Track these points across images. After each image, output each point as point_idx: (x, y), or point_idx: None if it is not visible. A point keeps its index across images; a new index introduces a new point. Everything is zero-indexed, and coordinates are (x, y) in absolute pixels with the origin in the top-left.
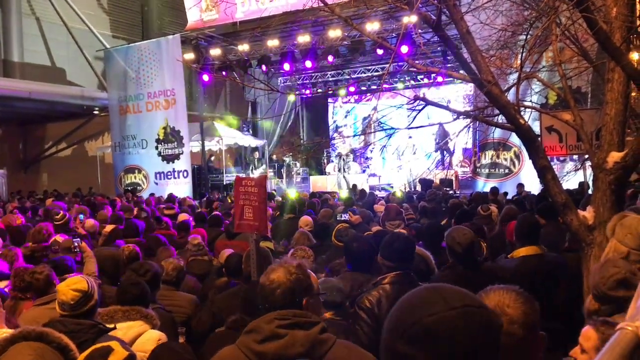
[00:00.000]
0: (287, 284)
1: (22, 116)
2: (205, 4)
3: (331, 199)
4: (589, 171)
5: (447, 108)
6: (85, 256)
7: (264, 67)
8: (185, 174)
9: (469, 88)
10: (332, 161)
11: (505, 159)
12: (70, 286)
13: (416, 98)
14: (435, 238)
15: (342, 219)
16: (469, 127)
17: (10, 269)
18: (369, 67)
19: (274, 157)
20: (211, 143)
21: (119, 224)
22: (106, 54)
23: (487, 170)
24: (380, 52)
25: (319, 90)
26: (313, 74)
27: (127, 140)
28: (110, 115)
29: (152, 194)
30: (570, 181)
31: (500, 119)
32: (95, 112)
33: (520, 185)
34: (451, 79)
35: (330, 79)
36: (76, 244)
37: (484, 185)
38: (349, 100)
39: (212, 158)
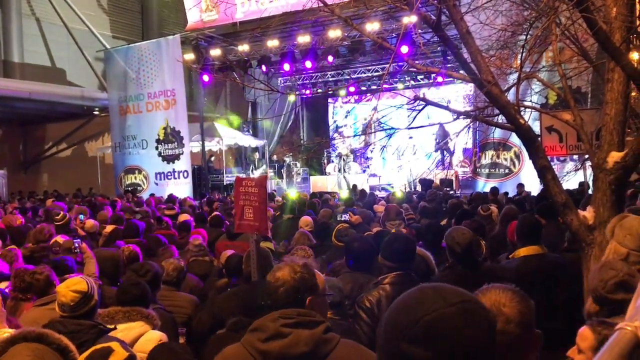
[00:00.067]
0: (291, 282)
1: (23, 117)
2: (205, 5)
3: (331, 199)
4: (589, 171)
5: (447, 108)
6: (85, 257)
7: (264, 68)
8: (185, 174)
9: (469, 88)
10: (333, 161)
11: (506, 159)
12: (70, 287)
13: (416, 98)
14: (435, 238)
15: (342, 219)
16: (469, 127)
17: (10, 270)
18: (369, 67)
19: (275, 157)
20: (211, 143)
21: (119, 224)
22: (106, 54)
23: (487, 170)
24: (381, 52)
25: (319, 91)
26: (313, 74)
27: (128, 141)
28: (111, 115)
29: (152, 195)
30: (571, 181)
31: (501, 119)
32: (96, 113)
33: (521, 185)
34: (451, 79)
35: (330, 79)
36: (76, 245)
37: (484, 185)
38: (349, 100)
39: (212, 158)
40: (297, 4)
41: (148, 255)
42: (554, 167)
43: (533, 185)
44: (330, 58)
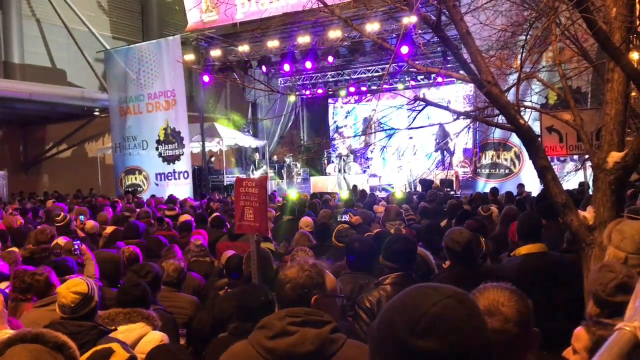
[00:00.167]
0: (297, 279)
1: (23, 117)
2: (205, 5)
3: (331, 200)
4: (590, 171)
5: (447, 108)
6: (85, 258)
7: (264, 68)
8: (185, 174)
9: (469, 88)
10: (333, 162)
11: (506, 159)
12: (71, 289)
13: (416, 98)
14: (435, 238)
15: (342, 219)
16: (469, 128)
17: (10, 270)
18: (369, 68)
19: (275, 157)
20: (211, 144)
21: (120, 225)
22: (106, 55)
23: (487, 171)
24: (381, 52)
25: (319, 91)
26: (313, 75)
27: (128, 142)
28: (111, 116)
29: (152, 195)
30: (571, 181)
31: (501, 119)
32: (96, 113)
33: (521, 186)
34: (451, 79)
35: (331, 80)
36: (76, 246)
37: (484, 185)
38: (349, 100)
39: (212, 159)
40: (297, 5)
41: (150, 256)
42: (554, 167)
43: (533, 186)
44: (330, 58)
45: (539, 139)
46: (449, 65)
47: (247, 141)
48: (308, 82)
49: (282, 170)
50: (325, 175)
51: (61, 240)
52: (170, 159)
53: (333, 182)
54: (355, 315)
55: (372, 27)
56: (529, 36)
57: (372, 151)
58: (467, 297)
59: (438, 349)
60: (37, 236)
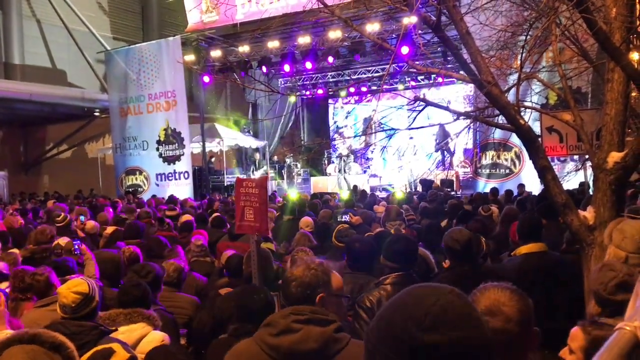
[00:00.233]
0: (303, 278)
1: (23, 118)
2: (205, 6)
3: (332, 200)
4: (590, 171)
5: (447, 109)
6: (85, 259)
7: (264, 69)
8: (186, 175)
9: (469, 89)
10: (333, 162)
11: (506, 159)
12: (71, 289)
13: (416, 99)
14: (435, 238)
15: (343, 220)
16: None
17: (10, 271)
18: (369, 68)
19: (275, 158)
20: (212, 144)
21: (120, 225)
22: (107, 55)
23: (487, 171)
24: (381, 53)
25: (320, 91)
26: (313, 75)
27: (128, 142)
28: (111, 116)
29: (153, 196)
30: (571, 181)
31: (501, 119)
32: (96, 114)
33: (521, 186)
34: (451, 79)
35: (331, 80)
36: (76, 246)
37: (484, 185)
38: (350, 101)
39: (213, 159)
40: (297, 5)
41: (151, 257)
42: (554, 167)
43: (534, 186)
44: (330, 59)
45: (539, 139)
46: (449, 66)
47: (248, 141)
48: (308, 82)
49: (283, 171)
50: (326, 175)
51: (62, 241)
52: (170, 160)
53: (333, 183)
54: (355, 314)
55: (372, 27)
56: (529, 36)
57: (372, 151)
58: (462, 293)
59: (446, 342)
60: (37, 236)
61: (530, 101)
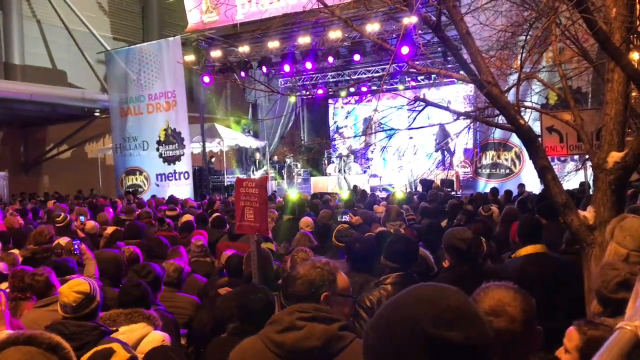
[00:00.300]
0: (308, 275)
1: (23, 118)
2: (205, 6)
3: (332, 200)
4: (590, 171)
5: (447, 109)
6: (85, 258)
7: (264, 69)
8: (186, 175)
9: (469, 89)
10: (333, 162)
11: (506, 159)
12: (73, 288)
13: (416, 99)
14: (435, 238)
15: (343, 220)
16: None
17: (9, 271)
18: (369, 68)
19: (275, 158)
20: (212, 144)
21: (120, 225)
22: (107, 56)
23: (488, 171)
24: (381, 53)
25: (320, 92)
26: (313, 75)
27: (128, 142)
28: (111, 117)
29: (153, 196)
30: (571, 181)
31: (501, 119)
32: (96, 114)
33: (521, 186)
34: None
35: (331, 80)
36: (76, 246)
37: (485, 185)
38: (350, 101)
39: (213, 159)
40: (297, 5)
41: (152, 257)
42: (554, 167)
43: (534, 186)
44: (330, 59)
45: (539, 139)
46: (449, 66)
47: (248, 142)
48: (308, 82)
49: (283, 171)
50: (326, 175)
51: (62, 241)
52: (170, 160)
53: (333, 183)
54: (355, 314)
55: (373, 27)
56: (529, 36)
57: (372, 151)
58: (464, 293)
59: (462, 339)
60: (36, 237)
61: (530, 101)
